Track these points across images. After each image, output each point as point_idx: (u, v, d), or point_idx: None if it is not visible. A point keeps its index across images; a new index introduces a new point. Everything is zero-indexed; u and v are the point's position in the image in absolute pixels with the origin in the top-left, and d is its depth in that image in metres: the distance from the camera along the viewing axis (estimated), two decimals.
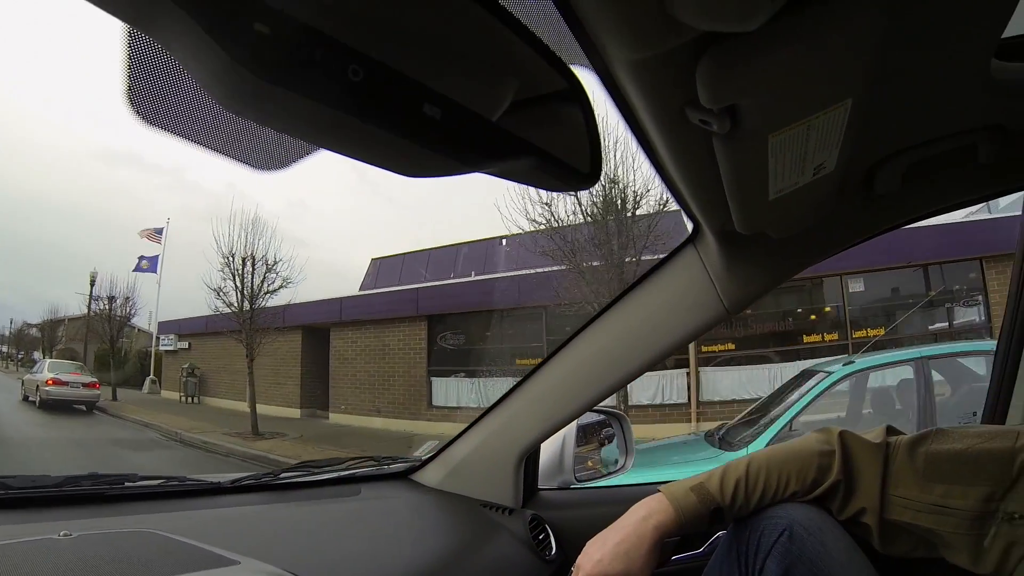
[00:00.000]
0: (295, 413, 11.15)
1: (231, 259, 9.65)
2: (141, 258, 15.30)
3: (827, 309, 8.18)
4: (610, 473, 1.06)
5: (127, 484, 0.79)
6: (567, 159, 0.38)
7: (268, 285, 9.66)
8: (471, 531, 0.90)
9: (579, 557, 0.74)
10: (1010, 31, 0.58)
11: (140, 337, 17.02)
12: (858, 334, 7.57)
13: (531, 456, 1.01)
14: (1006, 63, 0.63)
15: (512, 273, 9.87)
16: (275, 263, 9.74)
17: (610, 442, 1.09)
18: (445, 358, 10.11)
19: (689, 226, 0.83)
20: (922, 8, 0.48)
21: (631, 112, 0.50)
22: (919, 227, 5.64)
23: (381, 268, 12.98)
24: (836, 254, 0.86)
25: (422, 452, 1.15)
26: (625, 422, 1.09)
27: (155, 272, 15.16)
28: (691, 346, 9.32)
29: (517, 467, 0.97)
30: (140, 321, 15.75)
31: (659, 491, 0.77)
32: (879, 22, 0.40)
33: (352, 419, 10.25)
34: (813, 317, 8.27)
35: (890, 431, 0.76)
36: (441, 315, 10.41)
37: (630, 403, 9.09)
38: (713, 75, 0.41)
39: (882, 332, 6.70)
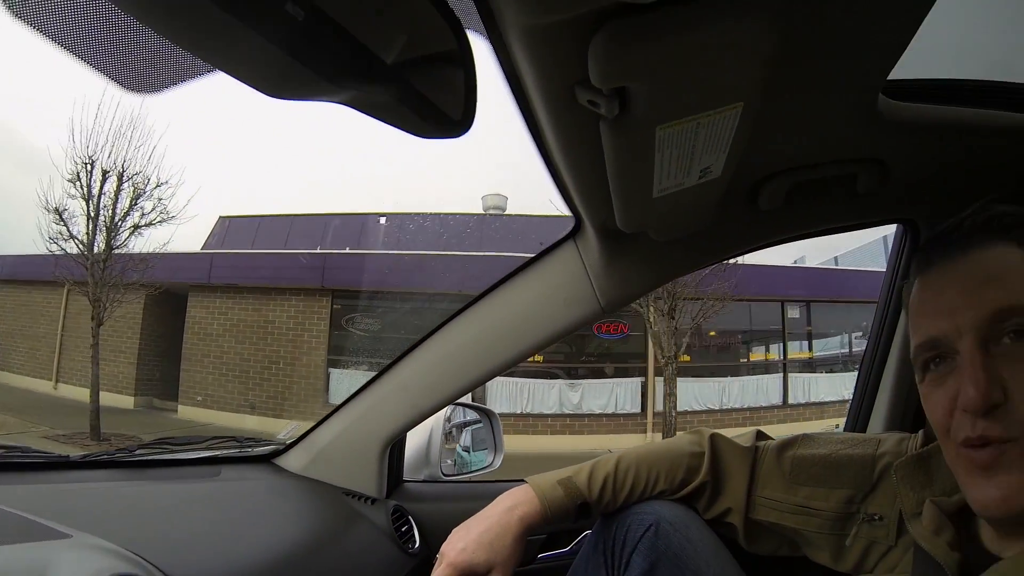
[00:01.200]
0: (126, 402, 10.58)
1: (86, 170, 8.42)
2: None
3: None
4: (479, 470, 1.28)
5: None
6: (438, 102, 0.43)
7: (140, 217, 8.63)
8: (332, 520, 1.06)
9: (443, 545, 0.87)
10: (900, 74, 0.76)
11: None
12: (793, 355, 11.50)
13: (397, 446, 1.21)
14: (893, 101, 0.82)
15: (458, 253, 10.11)
16: (157, 185, 8.76)
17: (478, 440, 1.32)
18: (351, 345, 10.09)
19: (572, 220, 1.01)
20: (817, 35, 0.62)
21: (520, 87, 0.59)
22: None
23: (230, 229, 12.81)
24: (715, 263, 1.07)
25: (287, 436, 1.31)
26: (495, 419, 1.31)
27: None
28: (651, 354, 10.22)
29: (381, 456, 1.16)
30: None
31: (525, 482, 0.92)
32: (769, 35, 0.51)
33: (212, 415, 9.99)
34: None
35: (759, 436, 0.99)
36: (352, 291, 10.31)
37: (582, 411, 9.81)
38: (606, 52, 0.49)
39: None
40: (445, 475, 1.27)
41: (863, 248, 13.56)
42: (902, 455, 0.84)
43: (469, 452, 1.35)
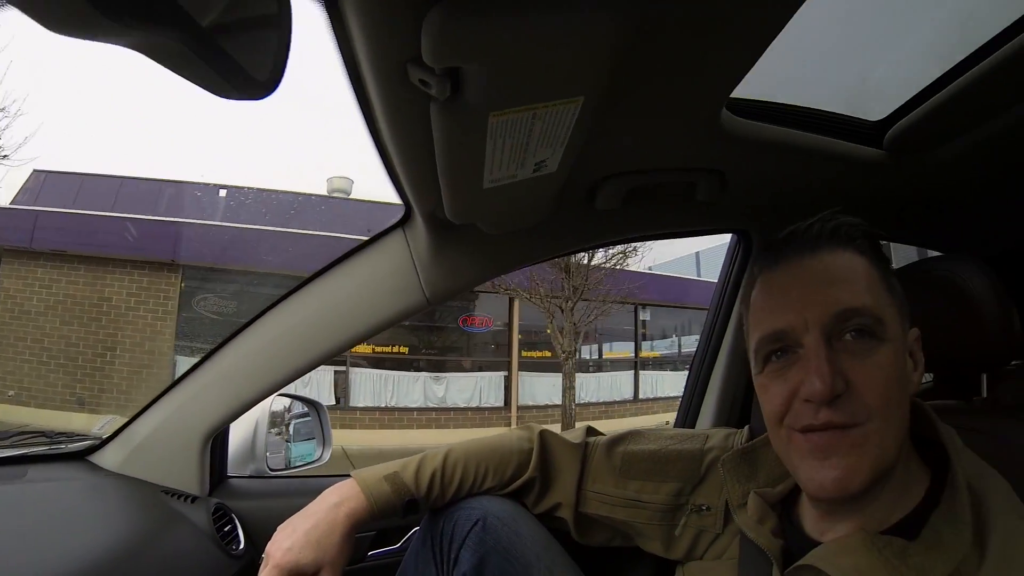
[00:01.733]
0: None
1: None
2: None
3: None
4: (307, 464, 1.25)
5: None
6: (241, 59, 0.40)
7: None
8: (149, 521, 0.99)
9: (269, 544, 0.84)
10: (744, 93, 0.78)
11: None
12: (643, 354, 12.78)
13: (220, 439, 1.15)
14: (735, 117, 0.85)
15: (320, 233, 9.61)
16: None
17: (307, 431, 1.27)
18: (202, 331, 9.36)
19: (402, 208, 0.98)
20: (666, 42, 0.62)
21: (353, 59, 0.57)
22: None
23: (46, 185, 10.89)
24: (549, 259, 1.07)
25: (101, 430, 1.21)
26: (322, 411, 1.28)
27: None
28: (515, 349, 10.55)
29: (202, 450, 1.09)
30: None
31: (351, 476, 0.89)
32: (615, 28, 0.51)
33: (28, 414, 8.27)
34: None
35: (590, 432, 1.02)
36: (206, 268, 9.56)
37: (447, 405, 9.87)
38: (440, 28, 0.47)
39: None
40: (272, 470, 1.21)
41: (679, 260, 15.97)
42: (728, 449, 0.89)
43: (295, 445, 1.32)
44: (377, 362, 10.17)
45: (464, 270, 1.04)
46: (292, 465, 1.27)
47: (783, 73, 0.89)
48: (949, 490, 0.65)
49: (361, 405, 9.79)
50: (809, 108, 0.96)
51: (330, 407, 9.14)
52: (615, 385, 11.97)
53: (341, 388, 9.74)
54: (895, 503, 0.68)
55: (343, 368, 9.78)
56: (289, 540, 0.83)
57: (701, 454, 0.93)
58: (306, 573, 0.82)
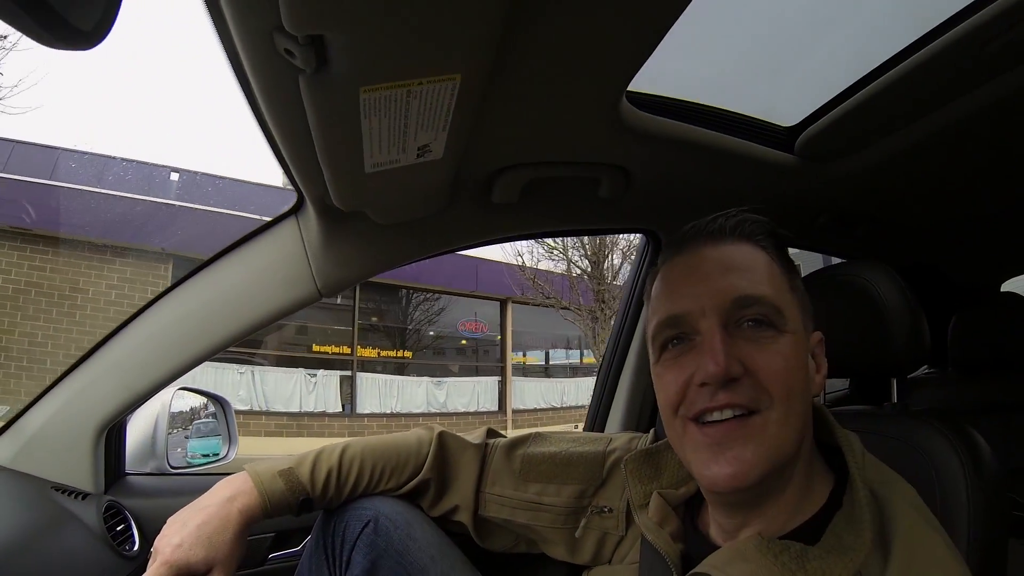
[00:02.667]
0: None
1: None
2: None
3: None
4: (211, 462, 1.20)
5: None
6: (61, 7, 0.38)
7: None
8: (32, 519, 0.92)
9: (157, 539, 0.79)
10: (644, 87, 0.77)
11: None
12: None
13: (117, 434, 1.10)
14: (636, 109, 0.83)
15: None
16: None
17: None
18: None
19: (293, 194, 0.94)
20: (558, 26, 0.60)
21: (227, 32, 0.54)
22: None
23: None
24: (445, 252, 1.06)
25: None
26: (228, 406, 1.23)
27: None
28: (508, 354, 10.61)
29: (95, 443, 1.04)
30: None
31: (244, 470, 0.85)
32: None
33: None
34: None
35: (491, 433, 0.99)
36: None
37: (447, 410, 9.90)
38: None
39: None
40: (173, 467, 1.16)
41: None
42: (632, 451, 0.86)
43: (199, 441, 1.27)
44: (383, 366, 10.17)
45: (357, 261, 1.00)
46: (195, 463, 1.21)
47: (697, 74, 0.91)
48: (848, 493, 0.63)
49: (368, 411, 9.81)
50: (719, 108, 0.94)
51: (336, 414, 9.15)
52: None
53: (345, 394, 9.74)
54: (796, 507, 0.65)
55: (348, 372, 9.80)
56: (179, 535, 0.78)
57: (603, 456, 0.91)
58: (196, 572, 0.77)
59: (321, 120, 0.61)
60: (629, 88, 0.76)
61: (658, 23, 0.62)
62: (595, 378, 1.43)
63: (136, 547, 1.02)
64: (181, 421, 1.20)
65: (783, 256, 0.70)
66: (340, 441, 0.91)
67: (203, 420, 1.25)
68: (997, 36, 0.75)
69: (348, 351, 9.78)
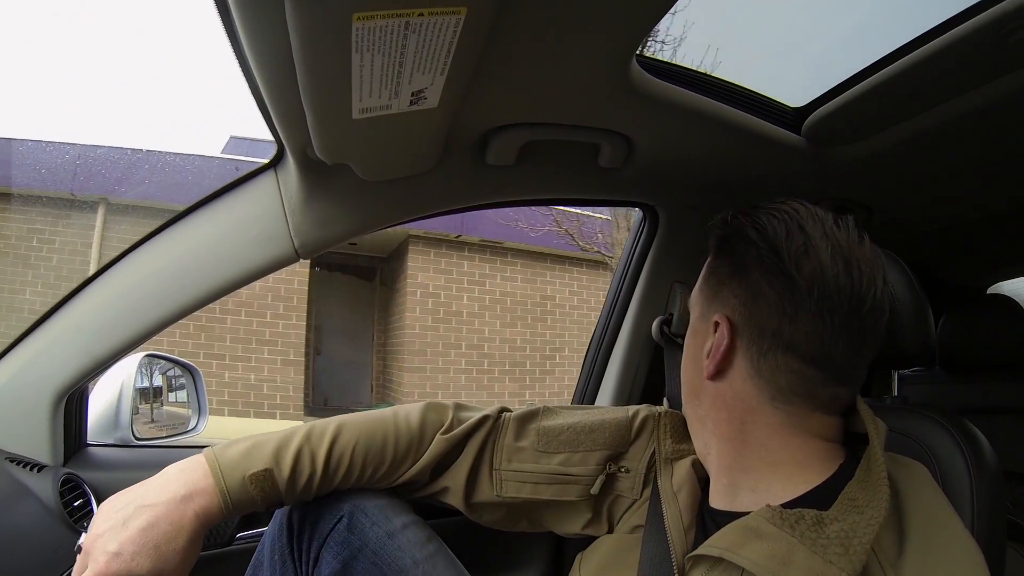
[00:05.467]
0: None
1: None
2: None
3: None
4: (180, 433, 1.14)
5: None
6: None
7: None
8: None
9: (87, 538, 0.66)
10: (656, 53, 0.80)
11: None
12: None
13: (77, 402, 1.04)
14: (645, 72, 0.79)
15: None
16: None
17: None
18: None
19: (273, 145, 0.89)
20: None
21: None
22: None
23: None
24: (435, 215, 1.01)
25: None
26: (198, 376, 1.18)
27: None
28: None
29: (53, 412, 0.98)
30: None
31: (204, 460, 0.72)
32: None
33: None
34: None
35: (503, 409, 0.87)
36: None
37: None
38: None
39: None
40: (139, 439, 1.10)
41: None
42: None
43: (166, 411, 1.20)
44: None
45: (338, 220, 0.94)
46: (161, 434, 1.15)
47: (710, 43, 0.90)
48: (864, 462, 0.61)
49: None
50: (729, 81, 0.92)
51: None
52: None
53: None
54: (798, 475, 0.64)
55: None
56: (116, 540, 0.64)
57: (630, 418, 0.84)
58: None
59: (307, 53, 0.56)
60: (639, 52, 0.73)
61: None
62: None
63: None
64: (142, 390, 1.12)
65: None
66: (330, 423, 0.78)
67: (177, 387, 1.19)
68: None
69: None
